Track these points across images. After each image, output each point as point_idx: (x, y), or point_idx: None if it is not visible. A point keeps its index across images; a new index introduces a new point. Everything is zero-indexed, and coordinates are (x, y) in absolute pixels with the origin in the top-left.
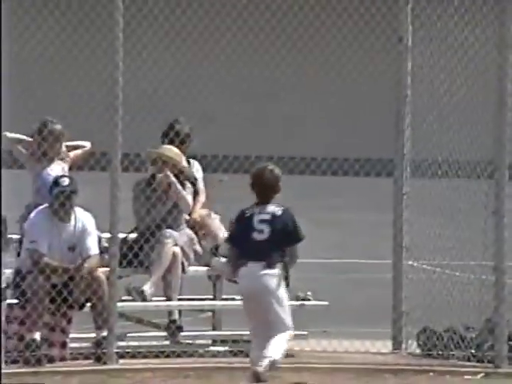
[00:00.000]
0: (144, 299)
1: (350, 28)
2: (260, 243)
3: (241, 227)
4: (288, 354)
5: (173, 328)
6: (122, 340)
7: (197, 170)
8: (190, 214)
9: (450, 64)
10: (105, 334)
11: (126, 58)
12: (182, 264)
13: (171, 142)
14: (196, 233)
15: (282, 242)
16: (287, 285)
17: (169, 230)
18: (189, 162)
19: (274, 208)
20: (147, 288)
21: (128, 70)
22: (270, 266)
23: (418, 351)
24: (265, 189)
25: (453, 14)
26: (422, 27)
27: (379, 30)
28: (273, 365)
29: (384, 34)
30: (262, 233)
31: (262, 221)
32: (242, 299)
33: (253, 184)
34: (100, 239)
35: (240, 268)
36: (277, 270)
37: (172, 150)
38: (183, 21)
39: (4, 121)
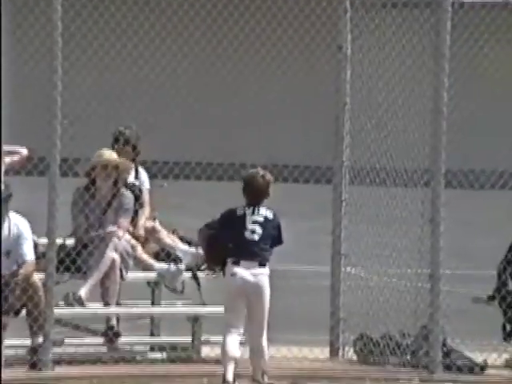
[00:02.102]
0: (82, 304)
1: (290, 36)
2: (252, 243)
3: (232, 225)
4: None
5: (110, 334)
6: (59, 346)
7: (143, 181)
8: (133, 226)
9: (387, 73)
10: (41, 340)
11: (64, 62)
12: (121, 270)
13: (122, 147)
14: (141, 243)
15: (270, 243)
16: None
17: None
18: (137, 171)
19: (266, 211)
20: (84, 293)
21: (66, 75)
22: (262, 264)
23: (354, 358)
24: (256, 193)
25: (391, 24)
26: (360, 36)
27: (319, 39)
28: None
29: (324, 42)
30: (254, 233)
31: (255, 222)
32: (230, 294)
33: (245, 188)
34: (36, 244)
35: (230, 265)
36: (267, 269)
37: (122, 159)
38: (123, 26)
39: None
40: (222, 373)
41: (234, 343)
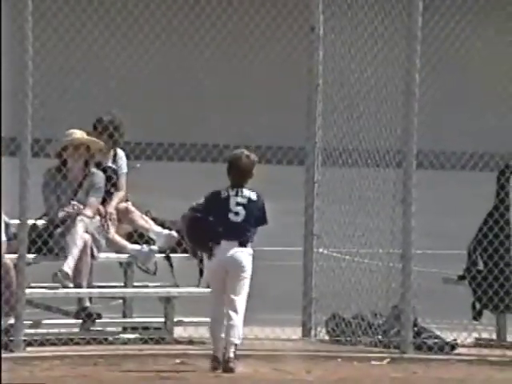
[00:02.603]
0: (69, 280)
1: (262, 16)
2: (235, 224)
3: (216, 207)
4: (200, 342)
5: (83, 315)
6: (30, 327)
7: (120, 164)
8: (104, 207)
9: (360, 53)
10: (12, 321)
11: (35, 41)
12: (92, 250)
13: (104, 131)
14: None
15: (254, 224)
16: None
17: (80, 217)
18: (115, 155)
19: (249, 192)
20: (70, 271)
21: (38, 54)
22: (244, 244)
23: (326, 338)
24: (241, 173)
25: (363, 5)
26: (333, 17)
27: (291, 19)
28: (235, 350)
29: (296, 22)
30: (237, 215)
31: (239, 203)
32: (209, 273)
33: (230, 168)
34: (8, 225)
35: (208, 243)
36: (250, 249)
37: (93, 139)
38: (95, 3)
39: None
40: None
41: (221, 321)
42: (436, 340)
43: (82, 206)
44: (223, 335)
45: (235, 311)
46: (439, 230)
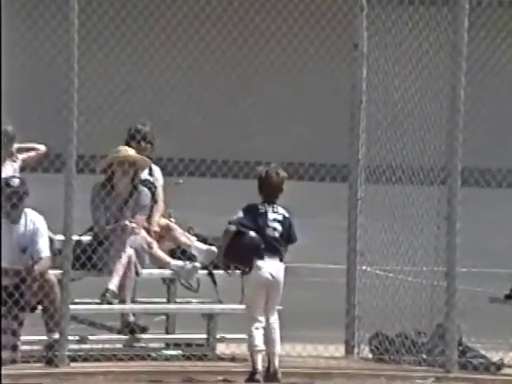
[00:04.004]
0: (115, 297)
1: (306, 34)
2: (273, 239)
3: (255, 221)
4: (242, 359)
5: (126, 331)
6: (75, 343)
7: (157, 178)
8: (149, 223)
9: (404, 70)
10: (56, 336)
11: (81, 59)
12: (136, 266)
13: (138, 144)
14: (156, 240)
15: (286, 240)
16: None
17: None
18: (151, 169)
19: (283, 209)
20: (115, 288)
21: (83, 72)
22: (282, 260)
23: (370, 356)
24: (274, 190)
25: (407, 21)
26: (377, 33)
27: (335, 36)
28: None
29: (339, 39)
30: (275, 230)
31: (275, 220)
32: (255, 287)
33: (261, 185)
34: (52, 241)
35: (252, 258)
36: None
37: (139, 155)
38: (140, 22)
39: None
40: (252, 366)
41: (260, 335)
42: (481, 360)
43: (134, 225)
44: (263, 347)
45: (277, 324)
46: (484, 248)
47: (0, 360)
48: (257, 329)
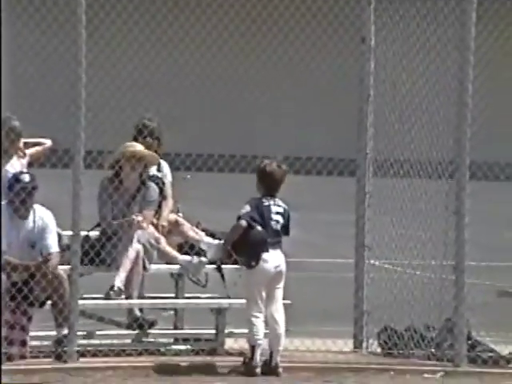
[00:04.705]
0: (122, 295)
1: (313, 28)
2: (276, 232)
3: (261, 215)
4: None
5: (135, 326)
6: (83, 338)
7: (165, 174)
8: (157, 219)
9: (411, 64)
10: (66, 332)
11: (88, 54)
12: (144, 262)
13: (145, 139)
14: (164, 235)
15: (284, 232)
16: None
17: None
18: (159, 164)
19: (283, 202)
20: (121, 285)
21: (90, 67)
22: (282, 251)
23: (378, 350)
24: (275, 183)
25: (415, 15)
26: (384, 27)
27: (342, 30)
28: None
29: (347, 33)
30: (277, 223)
31: (278, 213)
32: (259, 280)
33: (263, 179)
34: (61, 237)
35: (260, 252)
36: None
37: (147, 151)
38: (147, 18)
39: None
40: (249, 358)
41: (262, 328)
42: (491, 353)
43: (140, 218)
44: (263, 340)
45: (282, 318)
46: (493, 242)
47: (0, 357)
48: (258, 320)
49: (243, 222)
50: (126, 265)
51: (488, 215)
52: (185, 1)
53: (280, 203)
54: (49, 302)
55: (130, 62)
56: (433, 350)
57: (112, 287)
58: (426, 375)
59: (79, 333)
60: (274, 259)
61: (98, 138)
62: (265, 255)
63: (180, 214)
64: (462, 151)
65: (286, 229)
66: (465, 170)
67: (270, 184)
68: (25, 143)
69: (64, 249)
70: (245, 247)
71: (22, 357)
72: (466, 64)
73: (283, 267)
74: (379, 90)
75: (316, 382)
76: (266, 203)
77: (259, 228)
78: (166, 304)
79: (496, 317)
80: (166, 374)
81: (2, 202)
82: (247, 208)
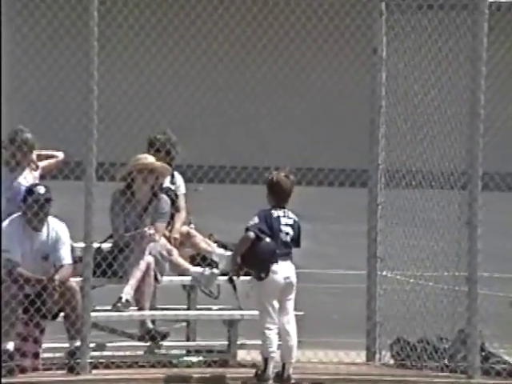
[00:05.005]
0: (130, 307)
1: (324, 38)
2: (286, 244)
3: (270, 227)
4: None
5: (147, 338)
6: (96, 350)
7: (179, 186)
8: (169, 231)
9: (423, 75)
10: (78, 344)
11: (100, 67)
12: (155, 274)
13: (157, 152)
14: (176, 247)
15: (295, 244)
16: None
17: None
18: (173, 176)
19: (292, 214)
20: (129, 297)
21: (102, 80)
22: (292, 263)
23: (391, 362)
24: (284, 194)
25: (426, 26)
26: (396, 38)
27: (354, 41)
28: None
29: (358, 45)
30: (287, 235)
31: (287, 224)
32: (270, 291)
33: (271, 189)
34: (73, 249)
35: (269, 263)
36: None
37: (159, 163)
38: (158, 30)
39: None
40: (262, 370)
41: (276, 340)
42: (504, 365)
43: (153, 231)
44: (276, 352)
45: (294, 330)
46: (506, 253)
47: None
48: (271, 333)
49: (251, 234)
50: (136, 277)
51: (501, 226)
52: (196, 13)
53: (290, 215)
54: (61, 314)
55: (142, 73)
56: (446, 362)
57: (120, 299)
58: None
59: (92, 345)
60: (283, 270)
61: (110, 150)
62: (274, 267)
63: (192, 226)
64: (475, 162)
65: (296, 241)
66: (477, 181)
67: (278, 194)
68: (38, 155)
69: (76, 261)
70: (254, 259)
71: (35, 369)
72: (478, 74)
73: (293, 279)
74: (391, 101)
75: None
76: (276, 215)
77: (268, 239)
78: (178, 316)
79: (510, 328)
80: None
81: (15, 215)
82: (255, 220)
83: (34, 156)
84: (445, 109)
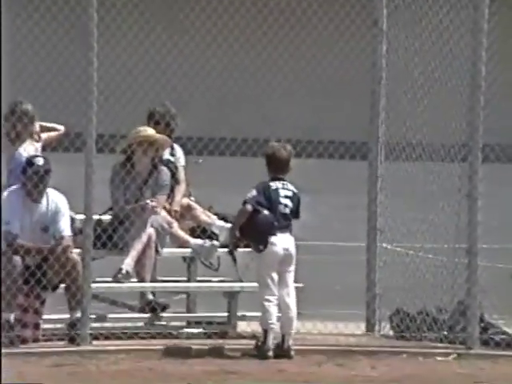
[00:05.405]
0: (130, 278)
1: (325, 11)
2: (285, 216)
3: (268, 199)
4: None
5: (147, 309)
6: (96, 321)
7: (179, 158)
8: (170, 203)
9: (424, 47)
10: (79, 315)
11: (100, 39)
12: (156, 246)
13: (156, 124)
14: (176, 219)
15: (294, 216)
16: None
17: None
18: (172, 148)
19: (292, 186)
20: (130, 268)
21: (102, 52)
22: (291, 235)
23: (391, 333)
24: (281, 164)
25: None
26: (396, 10)
27: (354, 13)
28: None
29: (359, 16)
30: (286, 207)
31: (286, 196)
32: (270, 263)
33: (268, 161)
34: (73, 220)
35: (267, 235)
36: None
37: (159, 135)
38: (158, 2)
39: None
40: (262, 341)
41: (275, 311)
42: (503, 336)
43: (155, 204)
44: (276, 324)
45: (293, 302)
46: (506, 225)
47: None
48: (271, 305)
49: (248, 207)
50: (137, 248)
51: (501, 198)
52: None
53: (289, 187)
54: (62, 286)
55: (141, 45)
56: (445, 333)
57: (120, 270)
58: (438, 358)
59: (92, 316)
60: (282, 242)
61: (110, 122)
62: (273, 238)
63: (192, 198)
64: (475, 134)
65: (295, 212)
66: (477, 153)
67: (275, 166)
68: (40, 126)
69: (76, 232)
70: (252, 231)
71: (36, 340)
72: (479, 46)
73: (293, 250)
74: (391, 73)
75: (328, 364)
76: (274, 187)
77: (266, 212)
78: (179, 287)
79: (509, 299)
80: (179, 356)
81: (15, 186)
82: (253, 192)
83: (37, 127)
84: (445, 81)
